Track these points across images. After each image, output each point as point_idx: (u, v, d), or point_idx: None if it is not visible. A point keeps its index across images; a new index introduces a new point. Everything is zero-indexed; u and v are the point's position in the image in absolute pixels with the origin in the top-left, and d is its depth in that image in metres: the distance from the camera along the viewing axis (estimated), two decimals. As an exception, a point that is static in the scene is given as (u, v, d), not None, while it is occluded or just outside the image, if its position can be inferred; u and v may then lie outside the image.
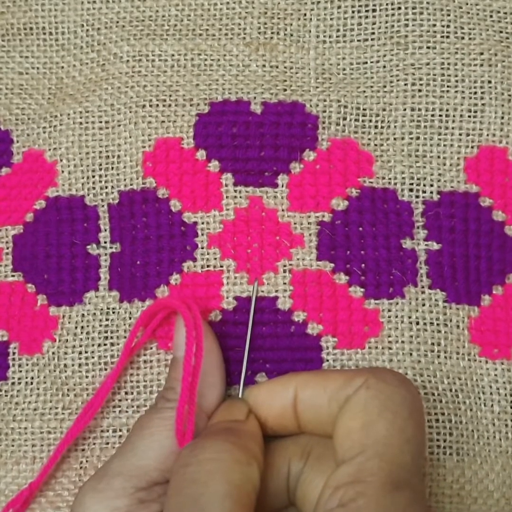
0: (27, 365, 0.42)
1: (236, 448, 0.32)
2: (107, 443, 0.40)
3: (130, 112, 0.43)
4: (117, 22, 0.45)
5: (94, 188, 0.43)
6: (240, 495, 0.31)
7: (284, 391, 0.35)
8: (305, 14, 0.44)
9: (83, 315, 0.42)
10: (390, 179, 0.42)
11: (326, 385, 0.34)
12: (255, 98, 0.43)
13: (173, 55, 0.44)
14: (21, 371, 0.42)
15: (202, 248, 0.41)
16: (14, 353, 0.42)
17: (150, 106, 0.43)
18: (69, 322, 0.42)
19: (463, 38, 0.43)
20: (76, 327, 0.41)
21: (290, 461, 0.35)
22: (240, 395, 0.38)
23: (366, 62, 0.44)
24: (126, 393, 0.41)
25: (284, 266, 0.41)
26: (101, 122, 0.43)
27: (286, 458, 0.35)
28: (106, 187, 0.43)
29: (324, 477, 0.32)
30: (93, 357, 0.41)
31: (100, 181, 0.43)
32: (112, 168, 0.43)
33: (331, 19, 0.44)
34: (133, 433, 0.37)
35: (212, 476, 0.31)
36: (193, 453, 0.32)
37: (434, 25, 0.44)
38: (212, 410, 0.37)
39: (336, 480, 0.31)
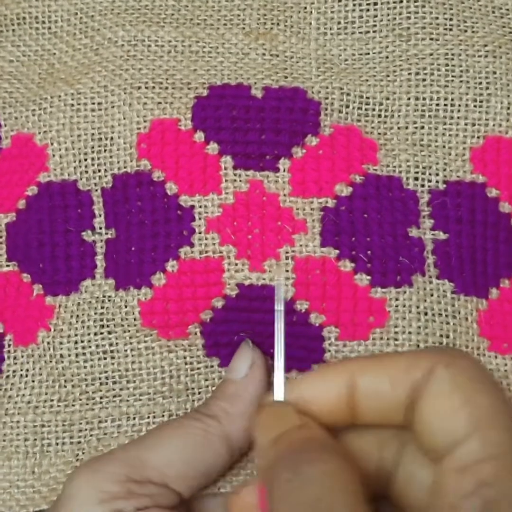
0: (22, 357, 0.40)
1: (337, 456, 0.29)
2: (105, 434, 0.39)
3: (125, 93, 0.41)
4: (112, 9, 0.44)
5: (86, 172, 0.41)
6: (363, 502, 0.28)
7: (339, 380, 0.32)
8: (305, 8, 0.44)
9: (79, 304, 0.40)
10: (394, 167, 0.40)
11: (387, 369, 0.31)
12: (255, 83, 0.41)
13: (170, 41, 0.43)
14: (16, 364, 0.40)
15: (200, 233, 0.39)
16: (9, 345, 0.40)
17: (146, 88, 0.41)
18: (64, 312, 0.39)
19: (466, 31, 0.43)
20: (71, 316, 0.39)
21: (382, 445, 0.32)
22: (275, 398, 0.33)
23: (368, 53, 0.43)
24: (128, 381, 0.39)
25: (286, 253, 0.39)
26: (93, 103, 0.41)
27: (378, 441, 0.32)
28: (99, 171, 0.41)
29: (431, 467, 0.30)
30: (90, 347, 0.39)
31: (93, 165, 0.41)
32: (105, 150, 0.41)
33: (331, 12, 0.43)
34: (154, 428, 0.36)
35: (335, 491, 0.28)
36: (300, 472, 0.28)
37: (437, 18, 0.43)
38: (235, 442, 0.36)
39: (458, 461, 0.28)
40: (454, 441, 0.29)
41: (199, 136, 0.40)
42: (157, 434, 0.35)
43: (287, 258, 0.39)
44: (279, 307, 0.33)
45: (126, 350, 0.39)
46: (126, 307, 0.39)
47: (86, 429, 0.39)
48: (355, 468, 0.29)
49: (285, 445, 0.30)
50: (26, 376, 0.40)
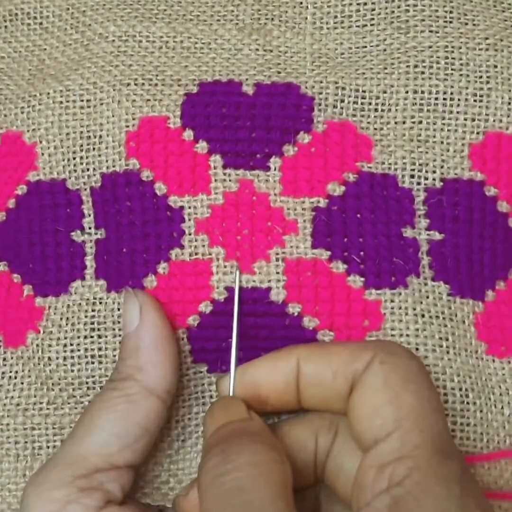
0: (11, 358, 0.39)
1: (268, 448, 0.30)
2: None
3: (114, 90, 0.40)
4: (104, 5, 0.43)
5: (75, 170, 0.40)
6: (286, 494, 0.29)
7: (286, 365, 0.33)
8: (301, 2, 0.42)
9: (68, 305, 0.39)
10: (390, 164, 0.39)
11: (330, 358, 0.32)
12: (247, 79, 0.40)
13: (161, 37, 0.42)
14: (5, 365, 0.39)
15: (190, 234, 0.38)
16: None
17: (135, 84, 0.40)
18: (54, 314, 0.39)
19: (466, 24, 0.41)
20: (61, 319, 0.39)
21: (317, 434, 0.33)
22: (231, 393, 0.34)
23: (366, 46, 0.41)
24: None
25: (277, 254, 0.38)
26: (82, 100, 0.40)
27: (313, 431, 0.33)
28: (88, 170, 0.40)
29: (357, 453, 0.31)
30: (79, 350, 0.38)
31: (82, 163, 0.40)
32: (94, 149, 0.40)
33: (328, 6, 0.42)
34: (81, 417, 0.35)
35: (256, 480, 0.29)
36: (227, 460, 0.30)
37: (436, 11, 0.41)
38: (159, 390, 0.35)
39: (377, 459, 0.29)
40: (376, 438, 0.30)
41: (188, 134, 0.39)
42: (86, 421, 0.34)
43: (277, 259, 0.38)
44: (235, 300, 0.36)
45: (114, 356, 0.38)
46: (119, 310, 0.38)
47: None
48: (285, 462, 0.30)
49: (222, 434, 0.31)
50: (15, 378, 0.39)
